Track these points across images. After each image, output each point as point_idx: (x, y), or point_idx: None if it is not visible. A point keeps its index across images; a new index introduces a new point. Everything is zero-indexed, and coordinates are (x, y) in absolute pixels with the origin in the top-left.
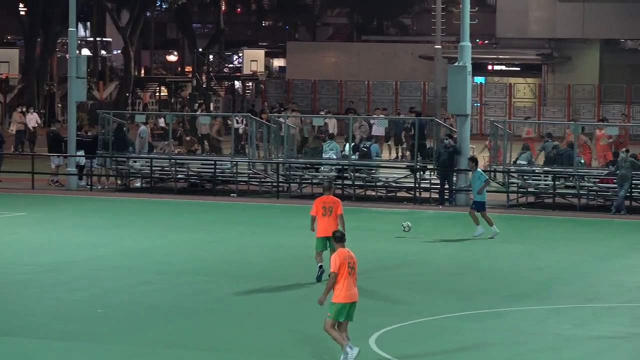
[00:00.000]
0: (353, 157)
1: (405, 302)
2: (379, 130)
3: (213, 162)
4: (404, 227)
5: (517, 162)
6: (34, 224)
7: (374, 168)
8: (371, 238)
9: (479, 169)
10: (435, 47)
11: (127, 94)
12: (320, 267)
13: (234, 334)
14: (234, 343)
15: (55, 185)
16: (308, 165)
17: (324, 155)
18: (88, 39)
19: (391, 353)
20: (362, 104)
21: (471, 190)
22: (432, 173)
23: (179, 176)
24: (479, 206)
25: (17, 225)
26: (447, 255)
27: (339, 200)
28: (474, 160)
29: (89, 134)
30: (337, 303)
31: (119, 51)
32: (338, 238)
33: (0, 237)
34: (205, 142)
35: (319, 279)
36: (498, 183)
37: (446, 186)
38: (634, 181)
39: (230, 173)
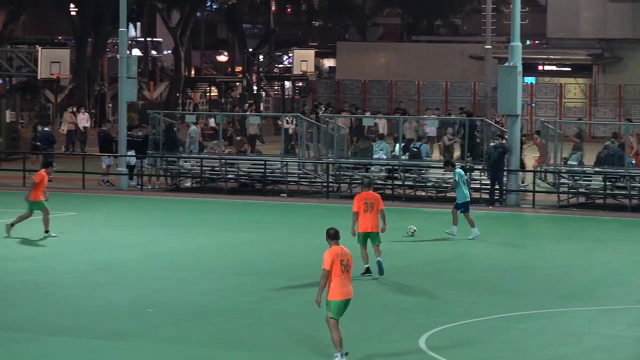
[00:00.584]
0: (403, 157)
1: (454, 303)
2: (429, 130)
3: (263, 162)
4: (409, 231)
5: (568, 162)
6: (84, 223)
7: (424, 168)
8: (420, 238)
9: (456, 169)
10: (486, 47)
11: (178, 94)
12: (367, 268)
13: (281, 334)
14: (281, 343)
15: (106, 185)
16: (358, 166)
17: (374, 156)
18: (139, 39)
19: (441, 354)
20: (413, 105)
21: (522, 190)
22: (482, 173)
23: (229, 176)
24: (462, 207)
25: (68, 225)
26: (496, 255)
27: (379, 196)
28: (450, 164)
29: (140, 134)
30: (334, 301)
31: (170, 51)
32: (332, 235)
33: (52, 237)
34: (257, 142)
35: (378, 273)
36: (548, 184)
37: (496, 186)
38: None
39: (280, 173)
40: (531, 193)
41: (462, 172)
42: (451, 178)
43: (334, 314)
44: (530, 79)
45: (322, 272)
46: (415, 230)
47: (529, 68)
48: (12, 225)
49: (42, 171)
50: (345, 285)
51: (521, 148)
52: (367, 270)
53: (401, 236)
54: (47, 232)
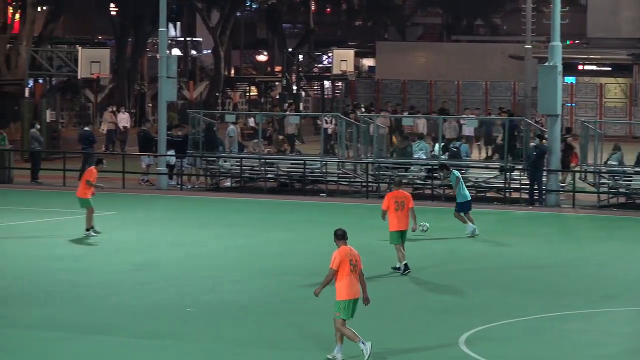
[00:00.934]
0: (442, 157)
1: (493, 302)
2: (468, 130)
3: (302, 162)
4: (422, 228)
5: (608, 162)
6: (124, 223)
7: (464, 168)
8: (459, 238)
9: (453, 171)
10: (526, 46)
11: (217, 94)
12: (406, 265)
13: (322, 333)
14: (323, 341)
15: (146, 185)
16: (397, 165)
17: (414, 155)
18: (178, 38)
19: (481, 354)
20: (452, 104)
21: (562, 190)
22: (521, 173)
23: (269, 176)
24: (461, 207)
25: (108, 225)
26: (535, 255)
27: (409, 194)
28: (445, 167)
29: (179, 133)
30: (342, 300)
31: (209, 51)
32: (340, 236)
33: (93, 236)
34: (296, 141)
35: (402, 272)
36: (589, 183)
37: (536, 186)
38: None
39: (320, 173)
40: (571, 193)
41: (459, 174)
42: (491, 178)
43: (343, 314)
44: (570, 79)
45: (329, 271)
46: (427, 228)
47: (569, 68)
48: (89, 229)
49: (92, 168)
50: (354, 285)
51: (570, 148)
52: (407, 267)
53: (443, 235)
54: (88, 230)
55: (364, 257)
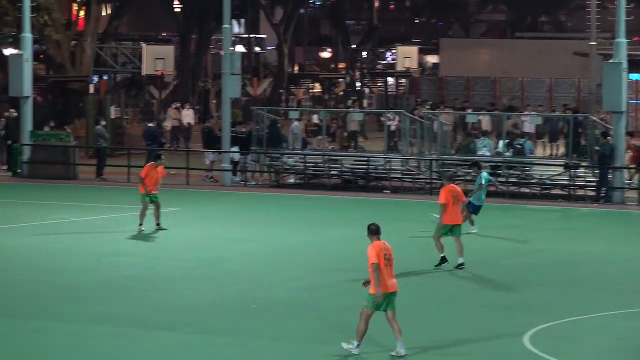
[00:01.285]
0: (507, 154)
1: (557, 300)
2: (529, 127)
3: (366, 158)
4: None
5: None
6: (189, 219)
7: (528, 165)
8: (522, 235)
9: (482, 172)
10: (590, 43)
11: (281, 91)
12: (444, 257)
13: (383, 329)
14: (384, 338)
15: (210, 181)
16: (461, 162)
17: (478, 153)
18: (242, 35)
19: (546, 351)
20: (516, 101)
21: (627, 188)
22: (587, 170)
23: (332, 172)
24: (475, 209)
25: (172, 221)
26: (600, 252)
27: (460, 189)
28: (476, 165)
29: (243, 130)
30: (375, 294)
31: (273, 48)
32: (373, 231)
33: (156, 232)
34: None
35: (438, 264)
36: None
37: (601, 183)
38: None
39: (383, 170)
40: (637, 190)
41: (488, 179)
42: (555, 175)
43: (370, 306)
44: (635, 76)
45: (372, 266)
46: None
47: (634, 65)
48: (158, 225)
49: (147, 165)
50: (389, 279)
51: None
52: (444, 259)
53: (506, 232)
54: (158, 224)
55: (429, 254)
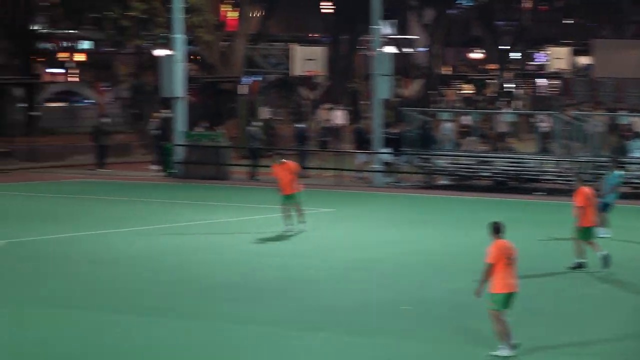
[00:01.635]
0: None
1: None
2: None
3: (518, 160)
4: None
5: None
6: (342, 220)
7: None
8: None
9: (616, 172)
10: None
11: (432, 92)
12: (581, 263)
13: (543, 333)
14: (546, 342)
15: (362, 182)
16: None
17: (630, 154)
18: (393, 36)
19: None
20: None
21: None
22: None
23: (484, 174)
24: (606, 208)
25: (325, 221)
26: None
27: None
28: (615, 160)
29: (395, 131)
30: (497, 293)
31: (424, 49)
32: (496, 230)
33: (309, 232)
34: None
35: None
36: None
37: None
38: None
39: (536, 171)
40: None
41: (620, 180)
42: None
43: (497, 306)
44: None
45: (486, 265)
46: None
47: None
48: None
49: (274, 167)
50: (510, 279)
51: None
52: (581, 265)
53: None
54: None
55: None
